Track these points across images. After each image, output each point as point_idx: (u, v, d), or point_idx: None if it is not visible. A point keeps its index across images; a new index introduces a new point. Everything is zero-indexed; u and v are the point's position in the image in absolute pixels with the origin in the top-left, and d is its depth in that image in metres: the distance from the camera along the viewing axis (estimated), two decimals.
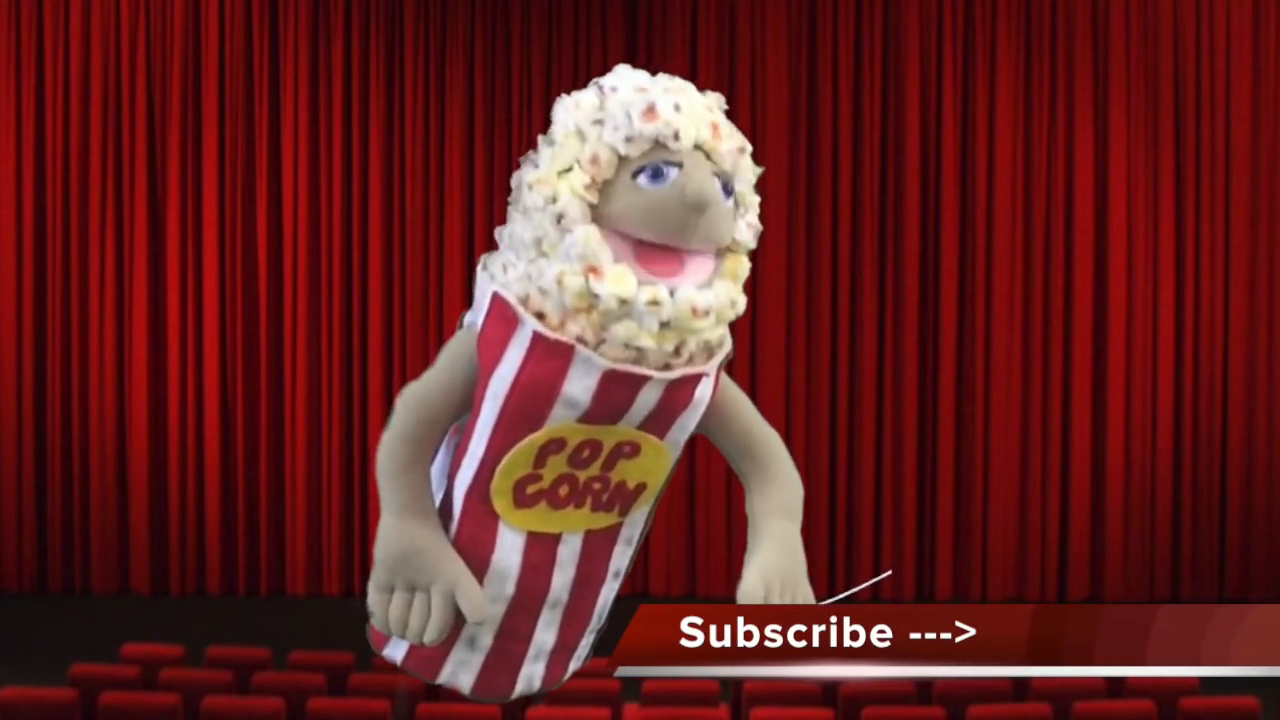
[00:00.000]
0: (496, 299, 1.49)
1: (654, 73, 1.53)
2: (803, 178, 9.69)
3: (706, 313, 1.45)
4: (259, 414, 9.72)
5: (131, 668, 6.66)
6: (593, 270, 1.43)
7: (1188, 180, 9.72)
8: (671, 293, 1.44)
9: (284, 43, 9.68)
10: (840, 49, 9.69)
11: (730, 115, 1.51)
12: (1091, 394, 9.73)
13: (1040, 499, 9.74)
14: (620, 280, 1.43)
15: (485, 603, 1.53)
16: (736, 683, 6.75)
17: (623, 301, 1.42)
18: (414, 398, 1.55)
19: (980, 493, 9.73)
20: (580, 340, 1.44)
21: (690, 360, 1.49)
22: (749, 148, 1.52)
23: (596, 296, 1.43)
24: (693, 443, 1.60)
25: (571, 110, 1.48)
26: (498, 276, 1.50)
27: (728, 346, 1.54)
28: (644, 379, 1.46)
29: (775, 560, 1.58)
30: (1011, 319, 9.72)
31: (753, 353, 9.53)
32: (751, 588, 1.56)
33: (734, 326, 1.52)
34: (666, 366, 1.47)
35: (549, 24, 9.69)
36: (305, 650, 7.06)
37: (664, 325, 1.44)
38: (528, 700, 6.38)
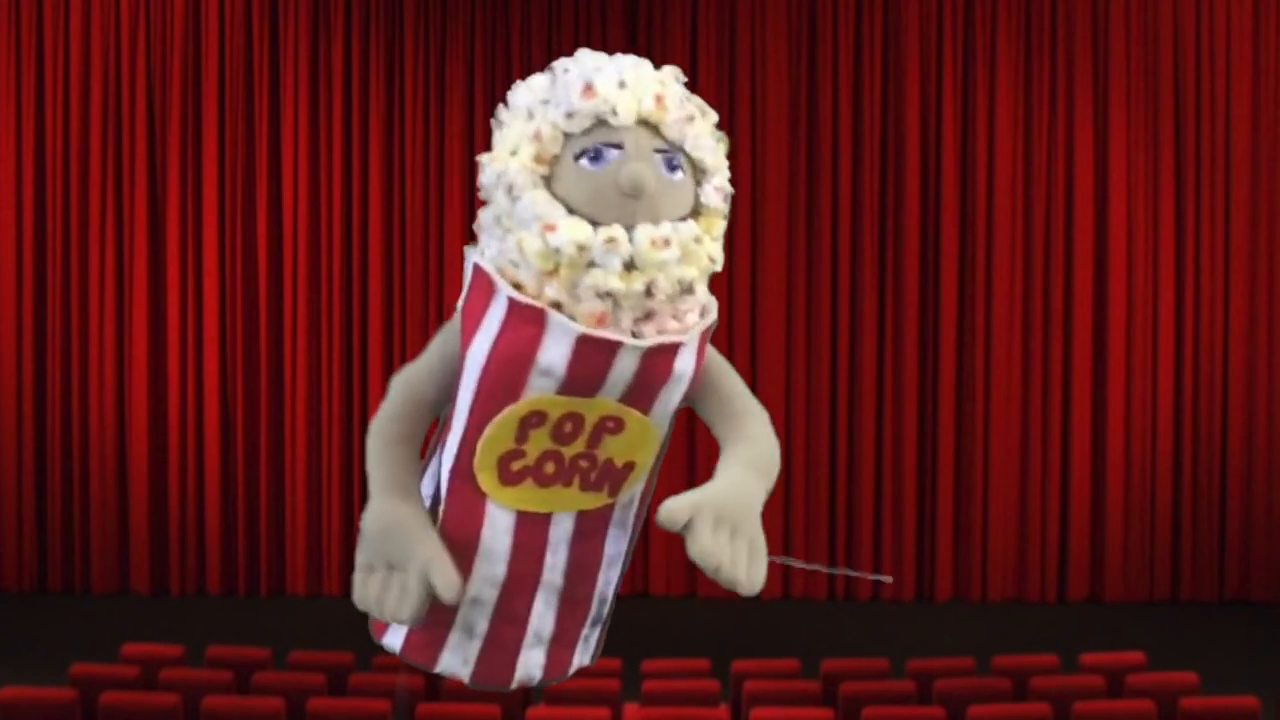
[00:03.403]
0: (477, 270, 1.51)
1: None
2: (803, 178, 9.68)
3: (667, 242, 1.44)
4: (259, 414, 9.72)
5: (131, 668, 6.65)
6: (548, 228, 1.44)
7: (1188, 180, 9.71)
8: (630, 232, 1.44)
9: (284, 43, 9.68)
10: (840, 49, 9.69)
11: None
12: (1091, 394, 9.73)
13: (1040, 499, 9.74)
14: (575, 228, 1.44)
15: (458, 581, 1.52)
16: (737, 683, 6.75)
17: (581, 247, 1.43)
18: (402, 378, 1.58)
19: (980, 493, 9.72)
20: (555, 305, 1.45)
21: (672, 308, 1.47)
22: (705, 115, 1.51)
23: (556, 250, 1.43)
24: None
25: (523, 92, 1.51)
26: (478, 254, 1.53)
27: (712, 317, 1.52)
28: (618, 345, 1.45)
29: (718, 493, 1.49)
30: (1011, 319, 9.72)
31: (753, 353, 9.51)
32: (675, 505, 1.45)
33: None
34: (641, 333, 1.46)
35: (549, 24, 9.69)
36: (305, 650, 7.05)
37: (630, 267, 1.44)
38: (528, 700, 6.38)
